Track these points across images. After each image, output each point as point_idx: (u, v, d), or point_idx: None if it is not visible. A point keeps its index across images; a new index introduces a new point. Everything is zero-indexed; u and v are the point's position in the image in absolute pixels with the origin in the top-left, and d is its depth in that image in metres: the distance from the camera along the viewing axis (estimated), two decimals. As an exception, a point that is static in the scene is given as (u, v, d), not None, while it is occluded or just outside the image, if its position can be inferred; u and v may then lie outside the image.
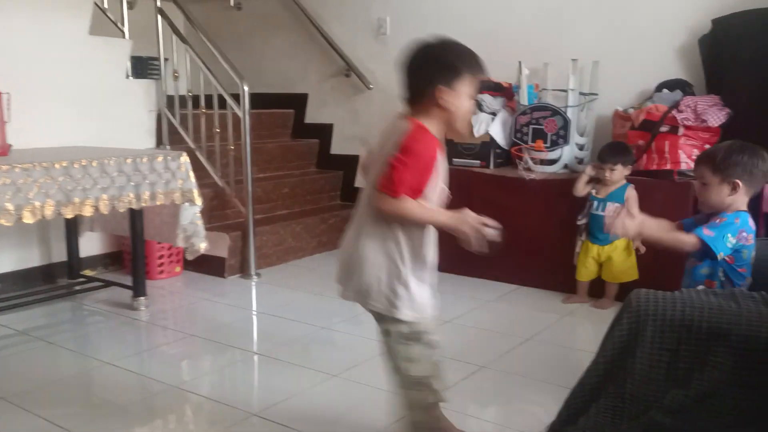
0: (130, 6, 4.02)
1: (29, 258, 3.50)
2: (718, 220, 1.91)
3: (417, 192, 1.62)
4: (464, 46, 1.69)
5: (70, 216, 2.76)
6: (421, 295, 1.72)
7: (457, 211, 1.65)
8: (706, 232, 1.88)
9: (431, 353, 1.75)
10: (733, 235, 1.89)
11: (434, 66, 1.63)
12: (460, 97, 1.63)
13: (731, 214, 1.92)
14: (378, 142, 1.71)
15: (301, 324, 3.01)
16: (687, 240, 1.90)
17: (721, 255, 1.89)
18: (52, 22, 3.47)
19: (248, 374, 2.56)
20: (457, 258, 2.77)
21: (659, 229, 1.94)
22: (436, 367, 1.76)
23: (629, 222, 1.86)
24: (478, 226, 1.62)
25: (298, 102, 4.97)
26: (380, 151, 1.67)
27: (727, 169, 1.90)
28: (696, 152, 3.18)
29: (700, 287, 1.92)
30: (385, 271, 1.68)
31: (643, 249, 3.13)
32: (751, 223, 1.93)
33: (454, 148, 3.77)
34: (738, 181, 1.90)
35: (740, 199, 1.94)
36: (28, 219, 2.60)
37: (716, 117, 3.11)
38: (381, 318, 1.76)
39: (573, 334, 3.00)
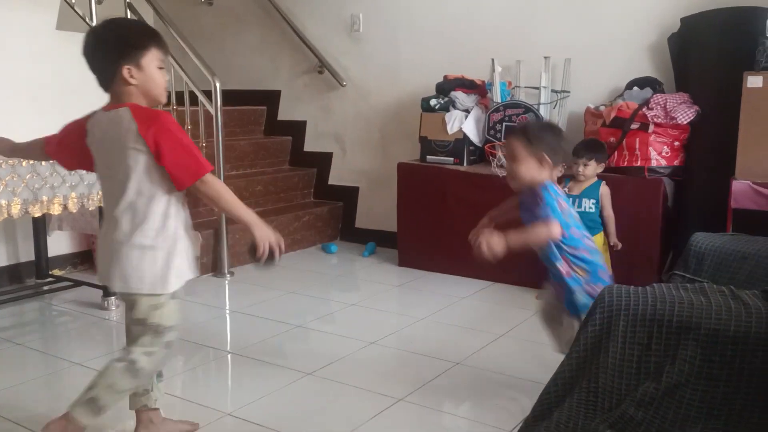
0: (99, 1, 3.95)
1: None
2: (540, 202, 1.99)
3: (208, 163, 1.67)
4: (136, 21, 1.77)
5: (37, 215, 2.71)
6: None
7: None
8: (544, 210, 1.98)
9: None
10: (557, 204, 1.99)
11: (114, 48, 1.63)
12: (148, 71, 1.65)
13: (543, 190, 2.00)
14: (95, 136, 1.70)
15: (275, 322, 2.99)
16: (551, 227, 1.95)
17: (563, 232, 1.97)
18: (16, 17, 3.39)
19: (222, 373, 2.54)
20: (430, 255, 2.80)
21: (517, 232, 2.00)
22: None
23: (493, 240, 1.94)
24: (273, 238, 1.69)
25: (270, 99, 4.94)
26: (103, 145, 1.67)
27: (539, 144, 1.99)
28: (666, 149, 3.23)
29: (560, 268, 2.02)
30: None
31: (618, 246, 3.17)
32: (556, 187, 2.03)
33: (427, 146, 3.78)
34: (546, 155, 1.99)
35: (545, 174, 2.02)
36: (-7, 218, 2.55)
37: (685, 114, 3.16)
38: None
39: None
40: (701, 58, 3.29)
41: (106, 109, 1.67)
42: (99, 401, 1.70)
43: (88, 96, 4.00)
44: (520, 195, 2.14)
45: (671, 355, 1.49)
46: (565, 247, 2.02)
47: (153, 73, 1.65)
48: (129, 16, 3.87)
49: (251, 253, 1.70)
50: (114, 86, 1.65)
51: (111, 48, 1.63)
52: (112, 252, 1.68)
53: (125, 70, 1.62)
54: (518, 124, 2.08)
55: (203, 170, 1.63)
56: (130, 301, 1.71)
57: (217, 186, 1.66)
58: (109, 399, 1.72)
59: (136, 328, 1.73)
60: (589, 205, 3.18)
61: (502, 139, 3.52)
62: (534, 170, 2.01)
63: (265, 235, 1.68)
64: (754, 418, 1.40)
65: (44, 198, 2.69)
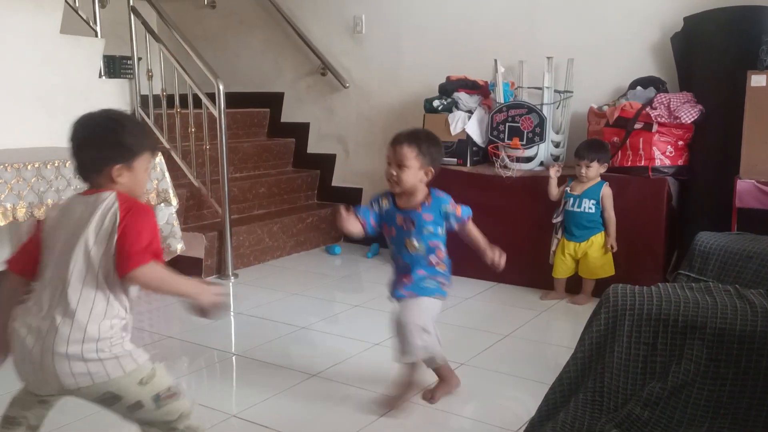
0: (102, 4, 3.96)
1: (0, 261, 3.44)
2: (428, 203, 2.16)
3: (158, 255, 1.52)
4: (137, 122, 1.70)
5: (43, 218, 2.71)
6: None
7: (196, 282, 1.59)
8: (464, 212, 2.20)
9: None
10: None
11: (109, 147, 1.55)
12: (137, 173, 1.58)
13: (433, 193, 2.18)
14: (58, 220, 1.58)
15: (279, 324, 2.99)
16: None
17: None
18: (21, 20, 3.40)
19: (227, 375, 2.54)
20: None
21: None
22: None
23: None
24: (218, 297, 1.57)
25: (273, 101, 4.95)
26: (71, 228, 1.52)
27: (429, 156, 2.13)
28: (670, 149, 3.23)
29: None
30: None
31: (614, 248, 3.17)
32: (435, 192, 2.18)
33: (431, 146, 3.78)
34: (432, 168, 2.14)
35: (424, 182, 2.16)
36: (-1, 221, 2.56)
37: (689, 114, 3.16)
38: None
39: (551, 330, 3.03)
40: (705, 58, 3.28)
41: (84, 194, 1.57)
42: None
43: (94, 98, 4.05)
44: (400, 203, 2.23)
45: (677, 355, 1.49)
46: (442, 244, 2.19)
47: (141, 176, 1.60)
48: (133, 20, 3.89)
49: (199, 313, 1.59)
50: (97, 179, 1.56)
51: (106, 146, 1.54)
52: None
53: (115, 170, 1.53)
54: (406, 131, 2.20)
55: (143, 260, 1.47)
56: None
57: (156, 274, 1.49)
58: None
59: None
60: (588, 205, 3.18)
61: (505, 139, 3.52)
62: (420, 180, 2.14)
63: (204, 301, 1.56)
64: (761, 417, 1.40)
65: (49, 201, 2.70)
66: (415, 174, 2.11)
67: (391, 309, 2.20)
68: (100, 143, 1.54)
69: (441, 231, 2.18)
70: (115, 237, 1.46)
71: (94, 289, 1.47)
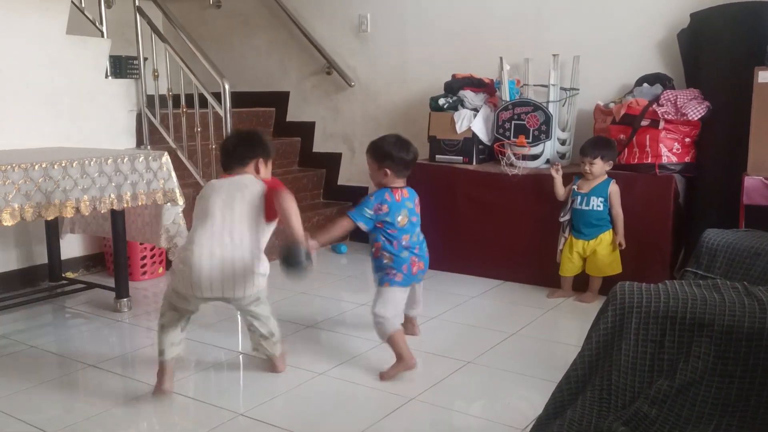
0: (108, 5, 3.97)
1: (9, 261, 3.46)
2: (362, 199, 2.49)
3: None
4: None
5: (50, 218, 2.72)
6: None
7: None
8: (350, 211, 2.49)
9: None
10: (369, 208, 2.45)
11: (259, 146, 2.40)
12: (267, 168, 2.42)
13: (375, 192, 2.50)
14: (212, 189, 2.35)
15: (286, 323, 2.99)
16: (343, 223, 2.49)
17: (360, 224, 2.46)
18: (27, 22, 3.42)
19: (234, 374, 2.55)
20: (440, 254, 2.80)
21: (326, 229, 2.55)
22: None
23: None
24: (313, 247, 2.33)
25: (279, 100, 4.95)
26: (227, 193, 2.30)
27: (382, 159, 2.47)
28: (677, 146, 3.21)
29: (374, 249, 2.51)
30: None
31: (623, 245, 3.16)
32: (386, 195, 2.47)
33: (436, 145, 3.78)
34: (387, 169, 2.47)
35: (391, 180, 2.49)
36: (7, 221, 2.56)
37: (696, 110, 3.15)
38: None
39: (558, 329, 3.02)
40: (711, 54, 3.27)
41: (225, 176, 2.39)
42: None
43: (100, 98, 4.07)
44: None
45: (685, 353, 1.48)
46: (384, 234, 2.48)
47: (267, 172, 2.43)
48: (139, 20, 3.90)
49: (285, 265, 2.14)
50: (241, 168, 2.37)
51: (256, 145, 2.40)
52: None
53: (260, 162, 2.39)
54: (376, 140, 2.56)
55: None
56: None
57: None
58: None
59: None
60: (596, 203, 3.17)
61: (511, 137, 3.52)
62: (381, 178, 2.50)
63: (309, 244, 2.24)
64: (769, 415, 1.39)
65: (57, 201, 2.71)
66: (376, 174, 2.51)
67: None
68: (253, 143, 2.41)
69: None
70: (263, 196, 2.27)
71: (246, 227, 2.26)
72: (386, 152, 2.47)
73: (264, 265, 2.32)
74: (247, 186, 2.29)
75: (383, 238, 2.48)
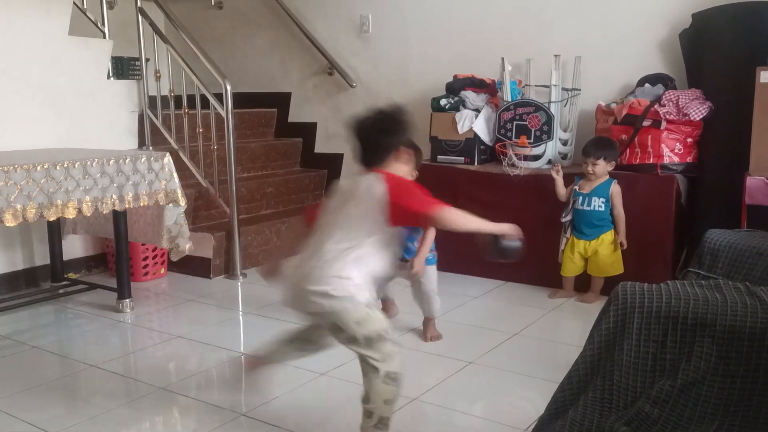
0: (110, 6, 3.98)
1: (12, 261, 3.47)
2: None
3: (441, 202, 1.83)
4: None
5: (52, 218, 2.73)
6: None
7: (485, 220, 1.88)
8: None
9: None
10: None
11: (403, 132, 1.94)
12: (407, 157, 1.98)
13: None
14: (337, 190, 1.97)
15: (288, 323, 2.98)
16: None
17: None
18: (30, 23, 3.42)
19: (236, 374, 2.55)
20: (441, 254, 2.80)
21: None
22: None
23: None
24: (513, 229, 1.87)
25: (281, 101, 4.96)
26: (341, 197, 1.91)
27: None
28: (679, 146, 3.21)
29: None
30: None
31: (625, 245, 3.16)
32: None
33: (438, 146, 3.78)
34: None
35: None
36: (9, 222, 2.57)
37: (698, 110, 3.14)
38: None
39: (560, 329, 3.02)
40: (713, 54, 3.26)
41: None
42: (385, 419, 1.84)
43: (102, 99, 4.07)
44: None
45: (687, 352, 1.48)
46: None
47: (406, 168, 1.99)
48: (141, 21, 3.90)
49: (496, 253, 1.87)
50: (382, 161, 1.91)
51: (401, 131, 1.93)
52: None
53: (405, 151, 1.93)
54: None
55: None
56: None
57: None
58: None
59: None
60: (598, 203, 3.17)
61: (512, 138, 3.52)
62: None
63: (509, 229, 1.87)
64: (771, 415, 1.39)
65: (59, 202, 2.71)
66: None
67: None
68: (398, 128, 1.93)
69: None
70: (386, 202, 1.78)
71: (347, 242, 1.79)
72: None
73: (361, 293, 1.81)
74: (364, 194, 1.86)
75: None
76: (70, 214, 2.76)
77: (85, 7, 3.91)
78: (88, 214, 2.82)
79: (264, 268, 2.21)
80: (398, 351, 1.83)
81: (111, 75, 3.91)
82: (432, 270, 2.77)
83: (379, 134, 1.91)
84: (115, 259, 3.23)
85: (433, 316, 2.83)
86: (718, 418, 1.43)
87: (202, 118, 3.80)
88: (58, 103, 3.54)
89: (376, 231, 1.81)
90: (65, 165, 2.73)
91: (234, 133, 3.70)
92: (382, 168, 1.89)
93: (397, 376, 1.80)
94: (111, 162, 2.88)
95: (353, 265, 1.79)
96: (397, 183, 1.85)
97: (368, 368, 1.79)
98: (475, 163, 3.69)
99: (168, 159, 3.11)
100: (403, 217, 1.83)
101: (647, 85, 3.39)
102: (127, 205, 2.95)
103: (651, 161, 3.22)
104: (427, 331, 2.82)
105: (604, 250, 3.18)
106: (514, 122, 3.53)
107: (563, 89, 3.54)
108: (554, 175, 3.29)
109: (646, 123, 3.21)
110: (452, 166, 3.71)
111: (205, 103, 3.77)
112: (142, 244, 3.54)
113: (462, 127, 3.67)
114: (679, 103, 3.17)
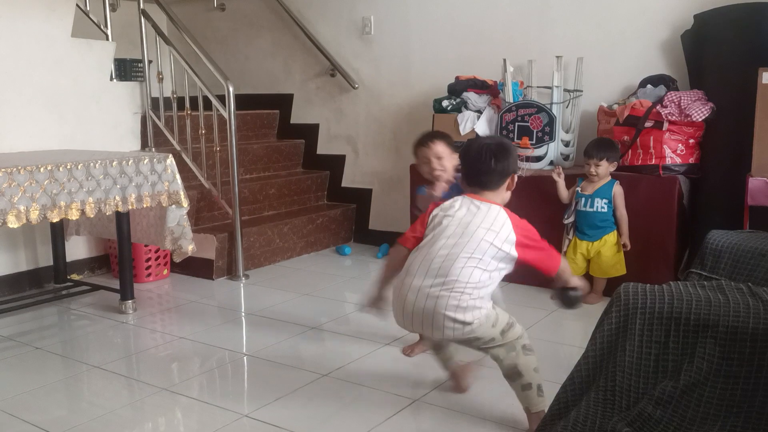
0: (113, 8, 3.99)
1: (15, 263, 3.47)
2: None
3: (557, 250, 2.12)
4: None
5: (55, 220, 2.73)
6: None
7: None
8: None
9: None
10: None
11: (515, 162, 2.11)
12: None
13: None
14: (446, 213, 2.05)
15: (290, 324, 3.00)
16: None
17: None
18: (33, 25, 3.43)
19: (238, 375, 2.55)
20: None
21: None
22: None
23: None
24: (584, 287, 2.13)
25: (283, 102, 4.96)
26: (465, 222, 2.01)
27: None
28: (681, 147, 3.21)
29: None
30: None
31: (628, 246, 3.16)
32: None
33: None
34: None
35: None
36: (12, 223, 2.58)
37: (700, 111, 3.14)
38: None
39: (562, 330, 3.02)
40: (715, 55, 3.26)
41: (473, 197, 2.06)
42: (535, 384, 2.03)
43: (105, 101, 4.08)
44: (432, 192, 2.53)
45: (689, 353, 1.48)
46: None
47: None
48: (143, 23, 3.91)
49: (564, 303, 2.13)
50: (494, 189, 2.07)
51: (515, 161, 2.09)
52: None
53: (514, 178, 2.10)
54: (444, 133, 2.62)
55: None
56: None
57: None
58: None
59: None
60: (601, 204, 3.17)
61: (514, 139, 3.52)
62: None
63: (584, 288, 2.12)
64: (774, 416, 1.39)
65: (62, 203, 2.72)
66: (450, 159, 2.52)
67: None
68: (514, 158, 2.08)
69: None
70: (513, 239, 1.98)
71: (474, 267, 1.92)
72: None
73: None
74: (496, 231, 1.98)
75: None
76: (73, 215, 2.76)
77: (88, 9, 3.92)
78: (91, 216, 2.83)
79: (369, 299, 2.23)
80: (520, 325, 2.06)
81: (114, 77, 3.92)
82: None
83: (498, 160, 2.04)
84: (117, 260, 3.24)
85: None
86: (721, 419, 1.43)
87: (204, 119, 3.81)
88: (61, 105, 3.55)
89: (502, 264, 1.99)
90: (68, 166, 2.73)
91: (236, 134, 3.70)
92: (496, 191, 2.08)
93: (531, 346, 2.06)
94: (114, 163, 2.89)
95: (486, 294, 1.97)
96: (522, 227, 2.03)
97: (507, 350, 2.01)
98: (477, 165, 3.68)
99: (171, 160, 3.11)
100: (528, 262, 2.03)
101: (649, 86, 3.39)
102: (129, 207, 2.96)
103: (653, 162, 3.22)
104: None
105: (607, 252, 3.18)
106: (516, 123, 3.53)
107: (565, 90, 3.53)
108: (555, 177, 3.29)
109: (648, 124, 3.21)
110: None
111: (208, 105, 3.78)
112: (145, 246, 3.55)
113: (464, 129, 3.67)
114: (681, 104, 3.17)
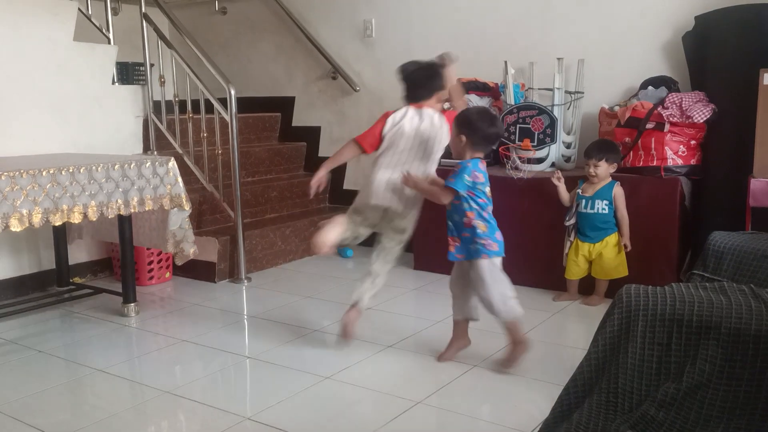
0: (115, 12, 4.00)
1: (18, 266, 3.48)
2: (457, 169, 2.47)
3: None
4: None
5: (58, 223, 2.74)
6: None
7: None
8: (450, 180, 2.45)
9: None
10: (468, 175, 2.43)
11: (440, 78, 2.77)
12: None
13: (464, 161, 2.48)
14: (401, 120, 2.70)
15: (292, 327, 3.00)
16: (443, 192, 2.48)
17: (460, 192, 2.43)
18: (35, 29, 3.44)
19: (240, 378, 2.55)
20: (446, 258, 2.80)
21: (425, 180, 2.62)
22: None
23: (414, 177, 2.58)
24: None
25: (285, 105, 4.97)
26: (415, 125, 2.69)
27: (459, 126, 2.50)
28: (682, 148, 3.21)
29: (466, 219, 2.48)
30: None
31: (629, 247, 3.16)
32: (481, 165, 2.47)
33: (442, 149, 3.78)
34: (463, 136, 2.47)
35: (468, 150, 2.48)
36: (15, 227, 2.58)
37: (702, 113, 3.14)
38: None
39: (564, 332, 3.02)
40: (716, 56, 3.27)
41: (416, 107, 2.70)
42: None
43: (107, 104, 4.09)
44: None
45: (692, 355, 1.48)
46: (476, 203, 2.48)
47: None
48: (145, 27, 3.93)
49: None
50: (425, 100, 2.73)
51: (440, 77, 2.75)
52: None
53: (440, 93, 2.72)
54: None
55: None
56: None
57: None
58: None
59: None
60: (602, 206, 3.17)
61: (516, 141, 3.52)
62: (459, 146, 2.52)
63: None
64: (777, 418, 1.39)
65: (65, 207, 2.73)
66: (454, 141, 2.56)
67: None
68: (438, 76, 2.75)
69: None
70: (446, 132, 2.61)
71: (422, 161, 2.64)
72: (465, 120, 2.48)
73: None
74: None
75: (476, 207, 2.46)
76: (76, 218, 2.77)
77: (90, 13, 3.93)
78: (94, 219, 2.83)
79: (317, 179, 2.90)
80: None
81: (116, 80, 3.93)
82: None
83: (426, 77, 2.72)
84: (120, 263, 3.24)
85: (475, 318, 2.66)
86: (724, 421, 1.42)
87: (206, 122, 3.81)
88: (64, 109, 3.56)
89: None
90: (71, 170, 2.74)
91: (238, 137, 3.71)
92: (425, 103, 2.69)
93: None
94: (116, 167, 2.89)
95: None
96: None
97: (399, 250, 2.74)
98: (479, 167, 3.68)
99: (173, 163, 3.12)
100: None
101: (650, 87, 3.39)
102: (132, 210, 2.97)
103: (655, 164, 3.22)
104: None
105: (609, 253, 3.18)
106: (518, 125, 3.53)
107: (566, 92, 3.54)
108: (555, 182, 3.29)
109: (649, 125, 3.21)
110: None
111: (210, 108, 3.78)
112: (147, 249, 3.56)
113: (465, 131, 3.67)
114: (683, 105, 3.17)
